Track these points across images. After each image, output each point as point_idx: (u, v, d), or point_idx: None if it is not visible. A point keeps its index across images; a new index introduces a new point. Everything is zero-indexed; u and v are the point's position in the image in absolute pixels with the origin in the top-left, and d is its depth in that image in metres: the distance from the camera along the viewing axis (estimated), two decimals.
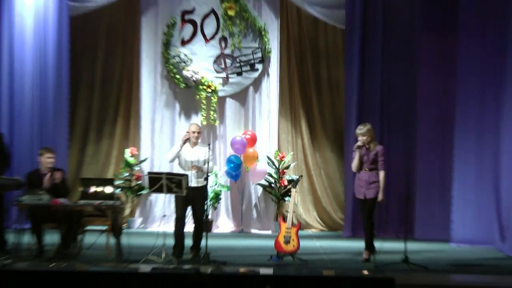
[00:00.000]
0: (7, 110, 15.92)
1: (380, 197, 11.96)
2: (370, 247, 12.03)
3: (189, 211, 12.10)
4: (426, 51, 15.87)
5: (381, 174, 12.03)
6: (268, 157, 17.32)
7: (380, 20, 16.52)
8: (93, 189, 11.47)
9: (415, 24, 16.26)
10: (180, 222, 11.83)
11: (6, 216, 12.61)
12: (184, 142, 11.89)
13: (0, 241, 12.13)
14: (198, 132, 12.21)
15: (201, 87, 17.46)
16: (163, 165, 17.28)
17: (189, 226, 12.17)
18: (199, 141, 12.30)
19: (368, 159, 12.01)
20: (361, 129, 12.13)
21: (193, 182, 11.76)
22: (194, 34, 17.73)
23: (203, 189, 11.97)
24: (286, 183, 17.02)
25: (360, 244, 12.51)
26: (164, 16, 17.79)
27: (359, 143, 12.09)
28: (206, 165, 11.80)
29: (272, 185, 17.28)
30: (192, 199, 11.75)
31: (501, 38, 13.88)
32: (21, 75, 16.22)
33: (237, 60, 17.61)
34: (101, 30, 18.14)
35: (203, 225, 11.91)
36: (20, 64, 16.23)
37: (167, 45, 17.66)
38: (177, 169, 12.66)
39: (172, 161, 12.12)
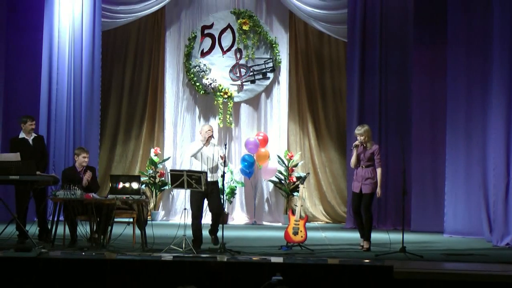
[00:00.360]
0: (45, 113, 15.86)
1: (378, 192, 11.78)
2: (369, 238, 11.83)
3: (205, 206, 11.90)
4: (418, 60, 15.84)
5: (378, 171, 11.85)
6: (279, 156, 17.26)
7: (378, 34, 16.55)
8: (121, 184, 11.31)
9: (408, 38, 16.31)
10: (197, 217, 11.61)
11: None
12: (207, 141, 11.67)
13: (44, 230, 11.98)
14: (211, 131, 11.99)
15: (218, 93, 17.39)
16: (184, 163, 17.18)
17: (206, 219, 11.93)
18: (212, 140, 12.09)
19: (365, 157, 11.84)
20: (359, 130, 11.97)
21: (208, 177, 11.53)
22: (212, 47, 17.69)
23: (217, 183, 11.79)
24: (294, 179, 16.96)
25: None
26: (186, 31, 17.79)
27: (356, 142, 11.91)
28: (219, 158, 11.66)
29: (282, 181, 17.20)
30: (207, 193, 11.53)
31: (486, 46, 13.73)
32: (58, 82, 16.19)
33: (251, 69, 17.55)
34: (130, 42, 18.11)
35: (219, 217, 11.69)
36: (57, 73, 16.21)
37: (188, 56, 17.60)
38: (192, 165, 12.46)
39: (193, 155, 11.87)
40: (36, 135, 12.45)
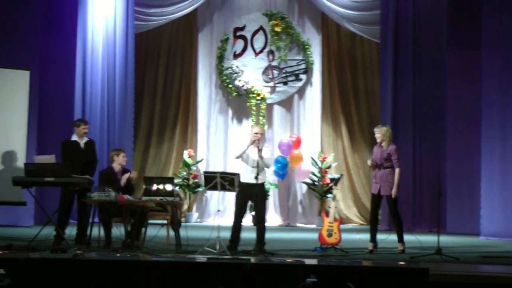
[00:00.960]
0: (79, 116, 15.84)
1: (393, 193, 11.60)
2: (401, 240, 11.73)
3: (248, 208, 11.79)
4: (452, 61, 15.75)
5: (396, 171, 11.68)
6: (312, 158, 17.23)
7: (410, 35, 16.53)
8: (155, 186, 11.32)
9: (441, 38, 16.21)
10: (237, 218, 11.57)
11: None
12: (252, 143, 11.57)
13: (82, 231, 11.98)
14: (262, 134, 11.91)
15: (251, 95, 17.41)
16: (217, 165, 17.25)
17: (247, 220, 11.86)
18: (261, 142, 11.97)
19: (382, 158, 11.73)
20: (377, 128, 11.94)
21: (253, 179, 11.40)
22: (245, 48, 17.73)
23: (263, 186, 11.66)
24: (328, 181, 16.92)
25: (395, 237, 12.22)
26: (219, 33, 17.83)
27: (369, 163, 11.80)
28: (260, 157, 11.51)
29: (316, 183, 17.16)
30: (251, 195, 11.48)
31: None
32: (92, 85, 16.28)
33: (283, 71, 17.56)
34: (163, 45, 18.19)
35: (264, 221, 11.59)
36: (91, 76, 16.31)
37: (221, 58, 17.64)
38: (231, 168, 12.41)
39: (238, 157, 11.80)
40: (88, 139, 12.49)
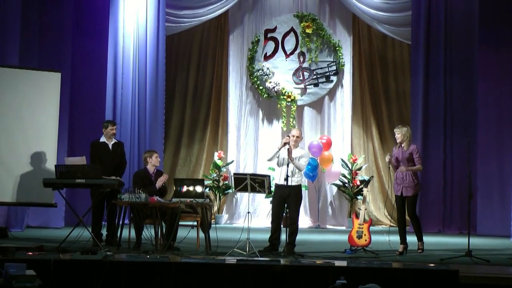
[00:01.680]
0: (110, 118, 15.90)
1: (407, 169, 11.63)
2: (421, 238, 11.73)
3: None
4: (484, 63, 15.64)
5: (417, 167, 11.71)
6: (342, 160, 17.20)
7: (442, 36, 16.43)
8: (185, 188, 11.39)
9: (473, 39, 16.14)
10: (274, 221, 11.56)
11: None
12: (283, 145, 11.53)
13: (111, 233, 12.05)
14: (297, 136, 11.83)
15: (281, 97, 17.42)
16: (247, 167, 17.29)
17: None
18: (299, 144, 11.92)
19: (403, 158, 11.71)
20: (397, 128, 11.92)
21: (283, 181, 11.38)
22: (275, 50, 17.75)
23: (297, 188, 11.62)
24: (358, 183, 16.89)
25: (425, 238, 12.18)
26: (249, 34, 17.88)
27: (387, 159, 11.80)
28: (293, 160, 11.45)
29: (346, 184, 17.14)
30: (284, 197, 11.45)
31: None
32: (123, 87, 16.37)
33: (314, 72, 17.55)
34: (193, 46, 18.23)
35: (296, 223, 11.57)
36: (122, 78, 16.39)
37: (251, 60, 17.68)
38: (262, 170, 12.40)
39: (270, 160, 11.79)
40: (116, 141, 12.59)
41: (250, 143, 17.71)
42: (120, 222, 11.57)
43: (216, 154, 17.34)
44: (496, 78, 15.48)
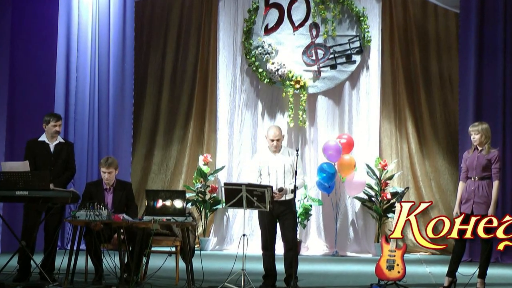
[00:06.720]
0: (61, 111, 15.93)
1: (490, 211, 11.54)
2: (483, 275, 11.66)
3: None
4: None
5: (495, 184, 11.58)
6: (368, 166, 17.27)
7: (501, 4, 16.33)
8: (160, 203, 11.35)
9: None
10: (267, 247, 11.56)
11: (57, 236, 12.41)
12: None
13: (49, 265, 11.99)
14: (278, 139, 11.79)
15: (288, 82, 17.45)
16: (242, 175, 17.23)
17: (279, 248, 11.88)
18: (283, 145, 11.92)
19: (479, 164, 11.59)
20: (474, 126, 11.69)
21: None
22: (280, 21, 17.79)
23: (291, 203, 11.66)
24: (389, 196, 16.89)
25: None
26: (245, 1, 17.85)
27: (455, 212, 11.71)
28: (294, 177, 11.50)
29: (373, 199, 17.21)
30: (278, 216, 11.48)
31: None
32: (78, 70, 16.42)
33: (331, 50, 17.59)
34: (172, 17, 18.33)
35: (296, 247, 11.61)
36: (77, 57, 16.46)
37: (248, 33, 17.74)
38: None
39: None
40: (63, 140, 12.45)
41: (246, 143, 17.77)
42: (75, 248, 11.52)
43: (201, 158, 17.38)
44: None
